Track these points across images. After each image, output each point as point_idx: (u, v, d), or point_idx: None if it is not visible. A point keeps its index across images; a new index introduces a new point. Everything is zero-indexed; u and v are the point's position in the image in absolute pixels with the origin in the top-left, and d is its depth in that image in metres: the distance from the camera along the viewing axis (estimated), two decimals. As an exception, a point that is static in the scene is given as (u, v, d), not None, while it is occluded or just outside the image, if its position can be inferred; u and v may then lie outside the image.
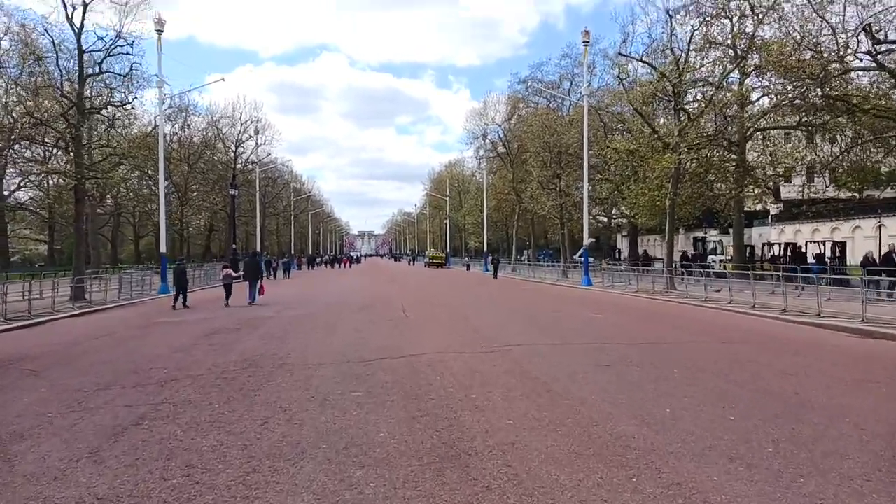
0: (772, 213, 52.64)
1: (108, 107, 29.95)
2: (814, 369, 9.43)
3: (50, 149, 33.78)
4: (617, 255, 56.47)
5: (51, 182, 44.98)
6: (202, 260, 59.56)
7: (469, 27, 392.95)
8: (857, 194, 43.38)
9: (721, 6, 28.63)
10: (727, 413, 6.60)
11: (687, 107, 29.80)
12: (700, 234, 49.85)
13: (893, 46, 23.34)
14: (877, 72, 24.29)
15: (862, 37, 22.91)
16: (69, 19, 25.44)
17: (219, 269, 32.41)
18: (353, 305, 21.53)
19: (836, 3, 23.94)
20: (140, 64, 31.21)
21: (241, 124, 63.46)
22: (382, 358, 10.23)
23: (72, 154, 25.94)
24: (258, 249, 53.28)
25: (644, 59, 31.48)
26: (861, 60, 24.06)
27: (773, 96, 30.22)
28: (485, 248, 63.47)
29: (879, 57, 23.12)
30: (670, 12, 28.34)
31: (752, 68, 28.46)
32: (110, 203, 55.27)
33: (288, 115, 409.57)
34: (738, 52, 28.03)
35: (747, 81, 31.02)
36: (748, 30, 27.75)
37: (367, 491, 4.49)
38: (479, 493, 4.42)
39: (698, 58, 29.32)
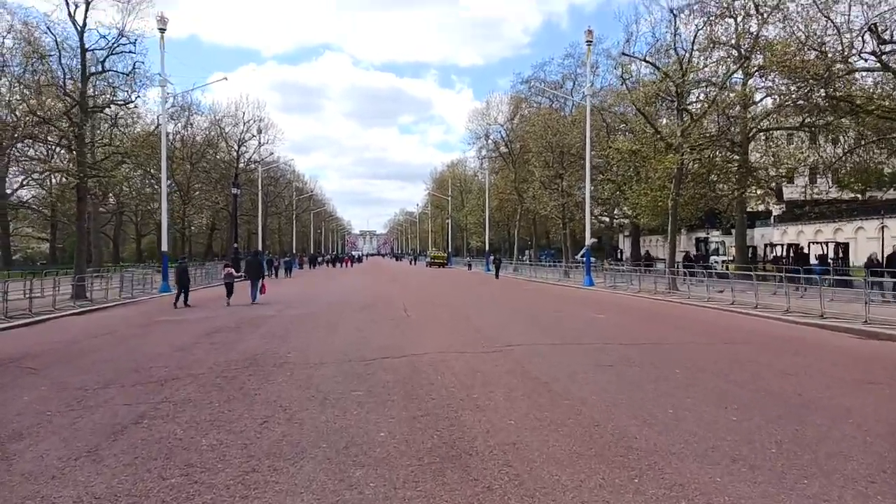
0: (774, 213, 52.53)
1: (111, 105, 29.91)
2: (816, 370, 9.39)
3: (53, 147, 33.75)
4: (619, 256, 56.37)
5: (53, 180, 45.04)
6: (204, 259, 59.58)
7: (471, 27, 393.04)
8: (859, 195, 43.29)
9: (725, 5, 28.58)
10: (730, 413, 6.55)
11: (690, 107, 29.73)
12: (702, 234, 49.77)
13: (899, 46, 23.28)
14: (881, 72, 24.21)
15: (867, 37, 22.85)
16: (72, 17, 25.42)
17: (220, 267, 32.42)
18: (355, 304, 21.51)
19: (842, 2, 23.92)
20: (143, 62, 31.06)
21: (244, 123, 63.54)
22: (383, 357, 10.20)
23: (74, 153, 25.94)
24: (260, 248, 53.31)
25: (647, 58, 31.42)
26: (866, 60, 24.00)
27: (776, 97, 30.18)
28: (486, 248, 63.42)
29: (884, 57, 23.05)
30: (674, 11, 28.32)
31: (755, 68, 28.41)
32: (113, 202, 55.30)
33: (291, 115, 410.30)
34: (742, 52, 27.98)
35: (750, 82, 30.99)
36: (752, 29, 27.73)
37: (367, 491, 4.46)
38: (480, 494, 4.39)
39: (702, 58, 29.28)
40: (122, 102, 29.58)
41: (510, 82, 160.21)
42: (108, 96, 30.26)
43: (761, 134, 33.23)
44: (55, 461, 5.17)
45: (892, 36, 22.97)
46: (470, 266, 65.29)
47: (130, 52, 26.95)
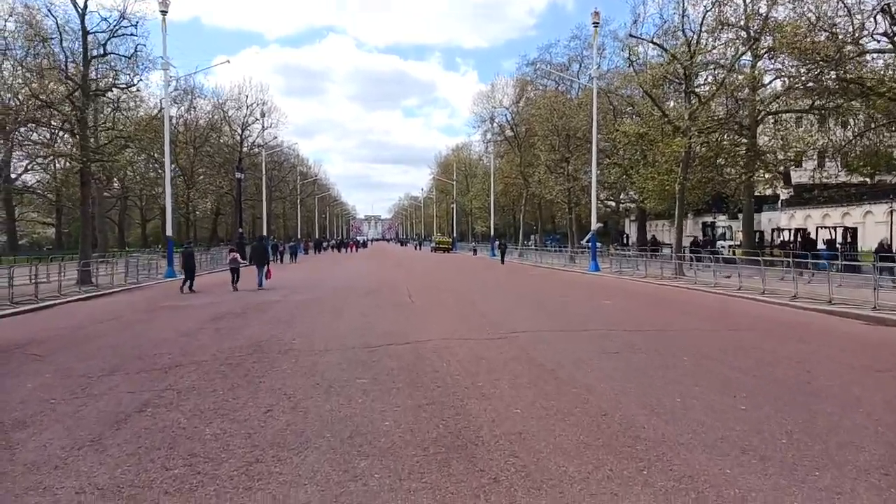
0: (782, 198, 52.12)
1: (114, 89, 29.76)
2: (825, 357, 9.30)
3: (56, 131, 33.66)
4: (625, 241, 56.10)
5: (58, 165, 45.00)
6: (209, 243, 59.68)
7: (476, 8, 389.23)
8: (868, 179, 42.80)
9: (735, -15, 28.10)
10: (738, 402, 6.47)
11: (698, 90, 29.36)
12: (709, 219, 49.44)
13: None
14: (893, 53, 23.81)
15: (879, 18, 22.43)
16: (73, 0, 25.20)
17: (225, 252, 32.45)
18: (360, 290, 21.48)
19: (854, -17, 23.45)
20: (145, 45, 30.73)
21: (248, 107, 63.19)
22: (388, 344, 10.15)
23: (77, 137, 25.85)
24: (264, 233, 53.30)
25: (655, 40, 30.95)
26: (878, 42, 23.58)
27: (785, 79, 29.77)
28: (492, 233, 63.24)
29: (897, 38, 22.67)
30: (683, -8, 27.82)
31: (764, 50, 27.98)
32: (117, 186, 55.30)
33: (294, 98, 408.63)
34: (751, 33, 27.54)
35: (759, 64, 30.54)
36: (762, 11, 27.24)
37: (372, 482, 4.41)
38: (486, 486, 4.33)
39: (710, 39, 28.83)
40: (124, 86, 29.41)
41: (515, 65, 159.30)
42: (110, 80, 30.08)
43: (770, 117, 32.82)
44: (58, 450, 5.14)
45: (906, 16, 22.58)
46: (475, 251, 65.19)
47: (132, 34, 26.78)
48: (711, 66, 30.63)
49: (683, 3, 28.18)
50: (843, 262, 21.92)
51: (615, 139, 36.87)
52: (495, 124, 63.31)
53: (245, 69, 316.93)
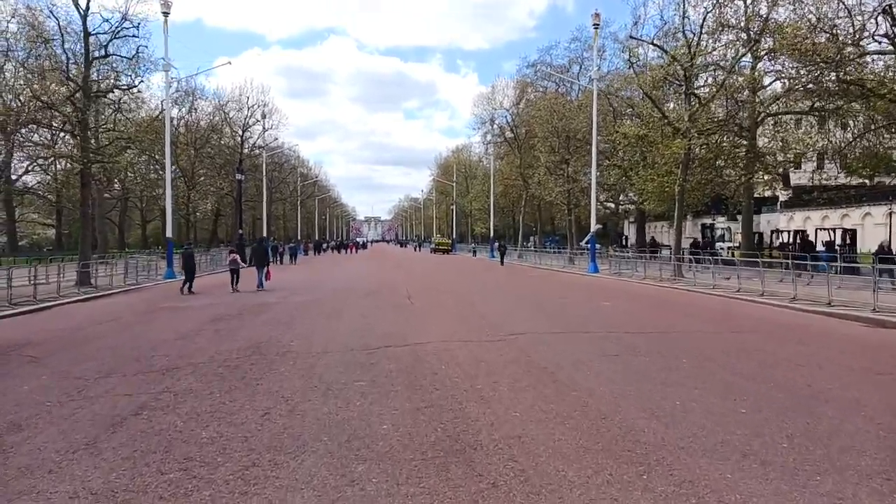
0: (781, 199, 52.09)
1: (115, 90, 29.75)
2: (825, 359, 9.25)
3: (57, 133, 33.63)
4: (624, 242, 56.03)
5: (58, 166, 44.95)
6: (209, 245, 59.62)
7: (477, 10, 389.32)
8: (867, 181, 42.76)
9: (735, -13, 28.09)
10: (738, 406, 6.43)
11: (698, 91, 29.34)
12: (708, 220, 49.40)
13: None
14: (893, 55, 23.78)
15: (880, 19, 22.39)
16: (75, 1, 25.19)
17: (225, 254, 32.41)
18: (359, 291, 21.43)
19: (854, -16, 23.43)
20: (146, 47, 30.81)
21: (248, 108, 63.14)
22: (387, 346, 10.11)
23: (78, 138, 25.82)
24: (265, 235, 53.26)
25: (655, 42, 30.93)
26: (880, 43, 23.54)
27: (785, 80, 29.75)
28: (491, 235, 63.20)
29: (898, 40, 22.64)
30: (683, -6, 27.78)
31: (764, 52, 27.95)
32: (118, 187, 55.24)
33: (297, 99, 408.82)
34: (752, 35, 27.51)
35: (759, 65, 30.52)
36: (762, 12, 27.21)
37: (370, 487, 4.36)
38: (485, 491, 4.29)
39: (710, 41, 28.80)
40: (125, 87, 29.38)
41: (516, 66, 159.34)
42: (111, 81, 30.06)
43: (770, 118, 32.80)
44: (53, 454, 5.10)
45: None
46: (475, 252, 65.16)
47: (134, 36, 26.70)
48: (711, 68, 30.62)
49: (684, 5, 28.18)
50: (843, 264, 21.85)
51: (615, 141, 36.81)
52: (495, 126, 63.34)
53: (247, 71, 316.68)
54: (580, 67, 54.47)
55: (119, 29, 26.22)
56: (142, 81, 30.09)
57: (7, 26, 33.36)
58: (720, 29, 28.49)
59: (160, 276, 28.55)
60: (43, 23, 29.53)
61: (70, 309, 17.23)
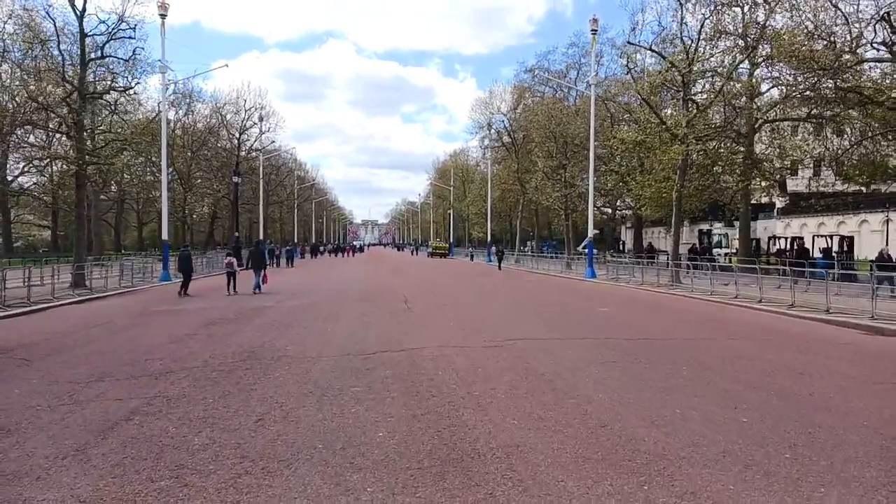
0: (778, 206, 52.18)
1: (111, 92, 29.61)
2: (825, 367, 9.19)
3: (53, 134, 33.49)
4: (621, 247, 56.06)
5: (54, 167, 44.75)
6: (205, 247, 59.40)
7: (475, 15, 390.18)
8: (864, 188, 42.89)
9: (733, -6, 28.16)
10: (739, 414, 6.35)
11: (695, 97, 29.36)
12: (705, 226, 49.43)
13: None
14: (891, 63, 23.82)
15: (878, 27, 22.43)
16: (71, 2, 25.07)
17: (221, 256, 32.29)
18: (355, 295, 21.33)
19: (851, -9, 23.48)
20: (143, 48, 30.55)
21: (246, 111, 63.05)
22: (383, 351, 10.01)
23: (74, 139, 25.69)
24: (261, 238, 53.11)
25: (653, 48, 30.98)
26: (878, 51, 23.58)
27: (782, 87, 29.80)
28: (488, 239, 63.15)
29: (896, 48, 22.66)
30: (681, 0, 27.83)
31: (762, 58, 28.01)
32: (114, 189, 55.04)
33: (296, 103, 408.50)
34: (749, 41, 27.56)
35: (757, 72, 30.58)
36: (759, 19, 27.27)
37: (364, 497, 4.26)
38: (482, 501, 4.19)
39: (708, 47, 28.85)
40: (121, 89, 29.22)
41: (514, 71, 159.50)
42: (107, 83, 29.93)
43: (767, 125, 32.86)
44: (41, 460, 4.99)
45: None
46: (472, 257, 65.08)
47: (130, 37, 26.58)
48: (709, 74, 30.65)
49: (682, 12, 28.22)
50: (840, 271, 21.82)
51: (612, 146, 36.82)
52: (493, 130, 63.33)
53: (245, 74, 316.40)
54: (578, 73, 54.68)
55: (115, 30, 26.11)
56: (138, 83, 29.72)
57: (3, 27, 33.27)
58: (718, 35, 28.55)
59: (156, 278, 28.39)
60: (39, 24, 29.46)
61: (64, 311, 17.09)
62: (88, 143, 27.16)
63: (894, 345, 11.75)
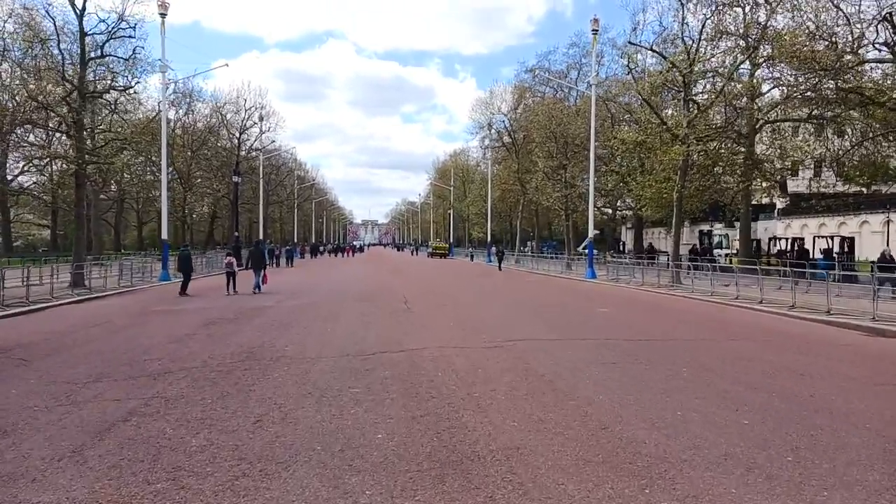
0: (778, 207, 52.12)
1: (111, 91, 29.58)
2: (826, 369, 9.15)
3: (52, 133, 33.45)
4: (621, 248, 56.03)
5: (54, 167, 44.72)
6: (205, 247, 59.37)
7: (475, 15, 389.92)
8: (864, 189, 42.85)
9: (734, -6, 28.14)
10: (741, 416, 6.30)
11: (696, 98, 29.32)
12: (705, 227, 49.39)
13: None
14: (892, 63, 23.78)
15: (880, 27, 22.37)
16: (71, 1, 25.05)
17: (221, 256, 32.26)
18: (355, 295, 21.29)
19: (853, -9, 23.44)
20: (143, 48, 30.42)
21: (246, 111, 63.03)
22: (382, 352, 9.97)
23: (73, 139, 25.66)
24: (261, 238, 53.09)
25: (654, 48, 30.94)
26: (880, 51, 23.53)
27: (783, 88, 29.76)
28: (488, 239, 63.12)
29: (898, 48, 22.60)
30: (682, 0, 27.80)
31: (763, 59, 27.97)
32: (114, 189, 55.01)
33: (296, 103, 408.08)
34: (750, 42, 27.52)
35: (758, 72, 30.54)
36: (761, 19, 27.24)
37: (363, 500, 4.22)
38: (482, 504, 4.15)
39: (709, 47, 28.81)
40: (121, 88, 29.19)
41: (514, 71, 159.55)
42: (107, 82, 29.90)
43: (767, 126, 32.81)
44: (37, 462, 4.95)
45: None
46: (472, 257, 65.07)
47: (130, 36, 26.53)
48: (710, 75, 30.62)
49: (683, 12, 28.19)
50: (841, 273, 21.78)
51: (613, 146, 36.79)
52: (493, 130, 63.30)
53: (245, 73, 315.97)
54: (578, 73, 54.64)
55: (115, 29, 26.06)
56: (138, 83, 29.69)
57: (4, 26, 33.27)
58: (719, 36, 28.51)
59: (155, 278, 28.35)
60: (39, 23, 29.47)
61: (63, 311, 17.05)
62: (88, 142, 27.12)
63: (895, 346, 11.70)
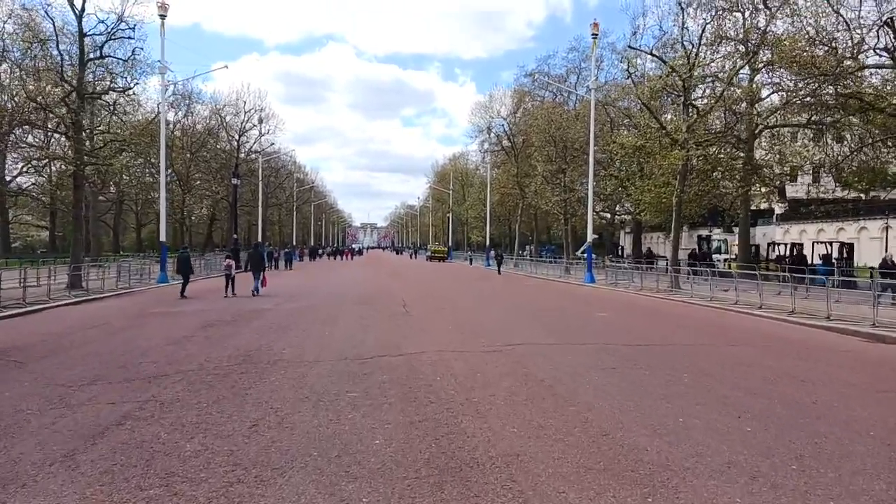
0: (777, 212, 52.14)
1: (110, 92, 29.50)
2: (827, 375, 9.08)
3: (51, 134, 33.35)
4: (620, 252, 55.99)
5: (53, 168, 44.63)
6: (204, 249, 59.25)
7: (475, 19, 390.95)
8: (863, 195, 42.87)
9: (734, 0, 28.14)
10: (743, 424, 6.23)
11: (696, 102, 29.30)
12: (704, 232, 49.38)
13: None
14: (892, 69, 23.77)
15: (880, 32, 22.36)
16: (70, 2, 24.99)
17: (220, 258, 32.16)
18: (354, 298, 21.19)
19: (852, -3, 23.46)
20: (142, 49, 30.31)
21: (245, 113, 62.98)
22: (381, 356, 9.88)
23: (72, 140, 25.58)
24: (260, 240, 52.99)
25: (654, 52, 30.94)
26: (880, 56, 23.51)
27: (783, 93, 29.76)
28: (487, 243, 63.06)
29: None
30: (682, 4, 27.81)
31: (762, 64, 27.97)
32: (113, 190, 54.88)
33: (296, 106, 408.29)
34: (750, 47, 27.52)
35: (757, 77, 30.54)
36: (760, 25, 27.24)
37: (360, 507, 4.14)
38: (481, 513, 4.07)
39: (709, 52, 28.82)
40: (120, 89, 29.11)
41: (513, 76, 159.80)
42: (106, 83, 29.83)
43: (767, 131, 32.81)
44: (28, 467, 4.86)
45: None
46: (471, 261, 65.00)
47: (129, 37, 26.50)
48: (710, 79, 30.61)
49: (683, 16, 28.20)
50: (841, 278, 21.71)
51: (612, 151, 36.78)
52: (492, 134, 63.31)
53: (245, 76, 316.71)
54: (578, 77, 54.60)
55: (115, 30, 26.02)
56: (137, 84, 29.62)
57: (3, 27, 33.21)
58: (719, 41, 28.55)
59: (153, 279, 28.23)
60: (39, 23, 29.36)
61: (60, 312, 16.94)
62: (87, 143, 27.06)
63: (895, 352, 11.65)
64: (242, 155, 63.17)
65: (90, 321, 14.69)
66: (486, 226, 64.00)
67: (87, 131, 28.21)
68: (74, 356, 9.88)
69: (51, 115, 26.08)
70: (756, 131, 31.88)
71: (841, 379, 8.83)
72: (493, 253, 53.02)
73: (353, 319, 15.06)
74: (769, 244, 39.87)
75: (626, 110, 39.44)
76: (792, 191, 47.58)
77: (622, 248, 59.99)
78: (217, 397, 7.11)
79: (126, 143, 30.21)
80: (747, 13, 28.38)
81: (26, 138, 36.51)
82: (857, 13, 23.55)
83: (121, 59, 27.82)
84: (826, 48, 23.56)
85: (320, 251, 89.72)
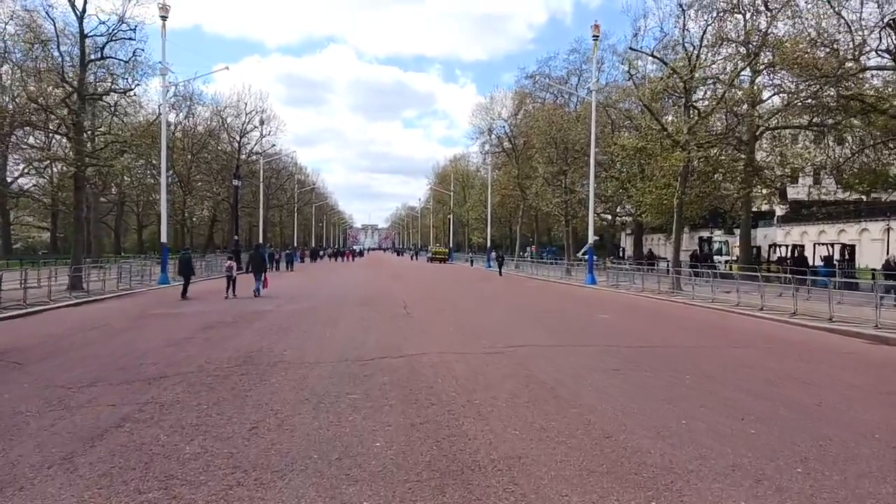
0: (778, 214, 52.07)
1: (111, 93, 29.51)
2: (829, 377, 9.04)
3: (52, 135, 33.38)
4: (621, 254, 55.92)
5: (54, 169, 44.65)
6: (205, 250, 59.24)
7: (476, 21, 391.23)
8: (864, 197, 42.82)
9: (735, 1, 28.09)
10: (746, 426, 6.18)
11: (697, 104, 29.26)
12: (705, 234, 49.32)
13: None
14: (893, 71, 23.73)
15: (882, 34, 22.32)
16: (72, 3, 25.00)
17: (221, 260, 32.15)
18: (355, 300, 21.15)
19: (854, -1, 23.43)
20: (143, 50, 30.34)
21: (246, 114, 62.97)
22: (382, 357, 9.84)
23: (73, 141, 25.58)
24: (261, 241, 52.97)
25: (655, 54, 30.90)
26: (882, 58, 23.47)
27: (784, 95, 29.73)
28: (488, 244, 63.01)
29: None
30: (683, 6, 27.78)
31: (764, 66, 27.94)
32: (114, 192, 54.92)
33: (297, 107, 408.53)
34: (751, 48, 27.49)
35: (758, 79, 30.51)
36: (761, 26, 27.21)
37: (360, 511, 4.10)
38: (483, 516, 4.02)
39: (710, 54, 28.77)
40: (121, 91, 29.12)
41: (514, 77, 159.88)
42: (107, 84, 29.83)
43: (768, 133, 32.77)
44: (26, 469, 4.82)
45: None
46: (472, 262, 64.96)
47: (130, 38, 26.53)
48: (711, 81, 30.57)
49: (684, 18, 28.15)
50: (842, 280, 21.67)
51: (613, 152, 36.71)
52: (493, 136, 63.30)
53: (246, 78, 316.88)
54: (579, 79, 54.56)
55: (116, 31, 26.03)
56: (138, 85, 29.64)
57: (4, 28, 33.21)
58: (720, 42, 28.51)
59: (154, 281, 28.20)
60: (40, 25, 29.38)
61: (60, 314, 16.91)
62: (88, 144, 27.05)
63: (900, 355, 11.59)
64: (243, 156, 63.14)
65: (90, 323, 14.65)
66: (487, 227, 63.95)
67: (89, 132, 28.21)
68: (74, 358, 9.84)
69: (52, 117, 26.08)
70: (757, 133, 31.84)
71: (844, 381, 8.78)
72: (494, 254, 52.97)
73: (354, 321, 15.02)
74: (770, 246, 39.81)
75: (627, 112, 39.38)
76: (793, 192, 47.54)
77: (623, 249, 59.95)
78: (217, 399, 7.08)
79: (127, 144, 30.19)
80: (748, 15, 28.37)
81: (27, 139, 36.56)
82: (858, 15, 23.54)
83: (122, 60, 27.86)
84: (827, 50, 23.52)
85: (321, 253, 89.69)
